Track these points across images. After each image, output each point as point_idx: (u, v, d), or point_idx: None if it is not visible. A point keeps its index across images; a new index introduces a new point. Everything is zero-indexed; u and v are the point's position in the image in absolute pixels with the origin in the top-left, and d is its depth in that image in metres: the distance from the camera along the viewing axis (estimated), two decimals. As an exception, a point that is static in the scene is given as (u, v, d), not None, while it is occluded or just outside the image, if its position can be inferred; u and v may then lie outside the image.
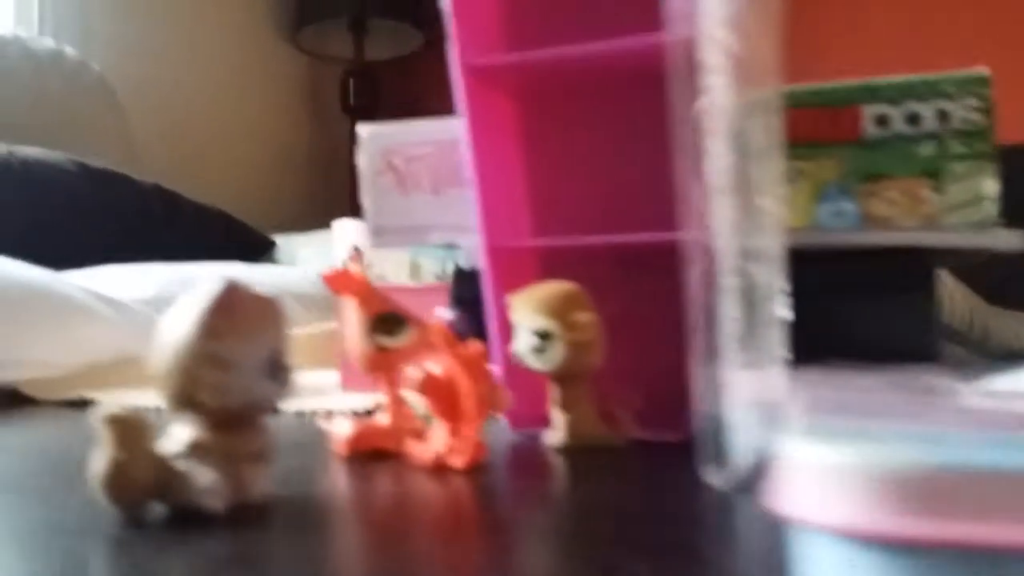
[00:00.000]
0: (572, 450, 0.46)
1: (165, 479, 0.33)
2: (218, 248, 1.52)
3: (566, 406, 0.47)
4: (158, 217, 1.58)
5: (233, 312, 0.32)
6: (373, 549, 0.30)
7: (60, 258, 1.03)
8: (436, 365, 0.42)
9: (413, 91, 2.48)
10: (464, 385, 0.40)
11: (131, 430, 0.32)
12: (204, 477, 0.32)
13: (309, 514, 0.35)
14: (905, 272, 0.53)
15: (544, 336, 0.45)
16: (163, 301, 1.00)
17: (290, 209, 2.21)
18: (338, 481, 0.41)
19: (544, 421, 0.48)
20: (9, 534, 0.32)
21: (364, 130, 0.66)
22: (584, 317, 0.45)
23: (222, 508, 0.32)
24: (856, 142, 0.56)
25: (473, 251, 0.62)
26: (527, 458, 0.45)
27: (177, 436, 0.34)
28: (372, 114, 2.43)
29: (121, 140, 1.79)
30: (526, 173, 0.58)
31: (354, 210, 2.42)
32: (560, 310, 0.45)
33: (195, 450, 0.33)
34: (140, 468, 0.32)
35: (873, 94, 0.56)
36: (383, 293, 0.48)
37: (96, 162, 1.51)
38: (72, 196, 1.41)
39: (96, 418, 0.32)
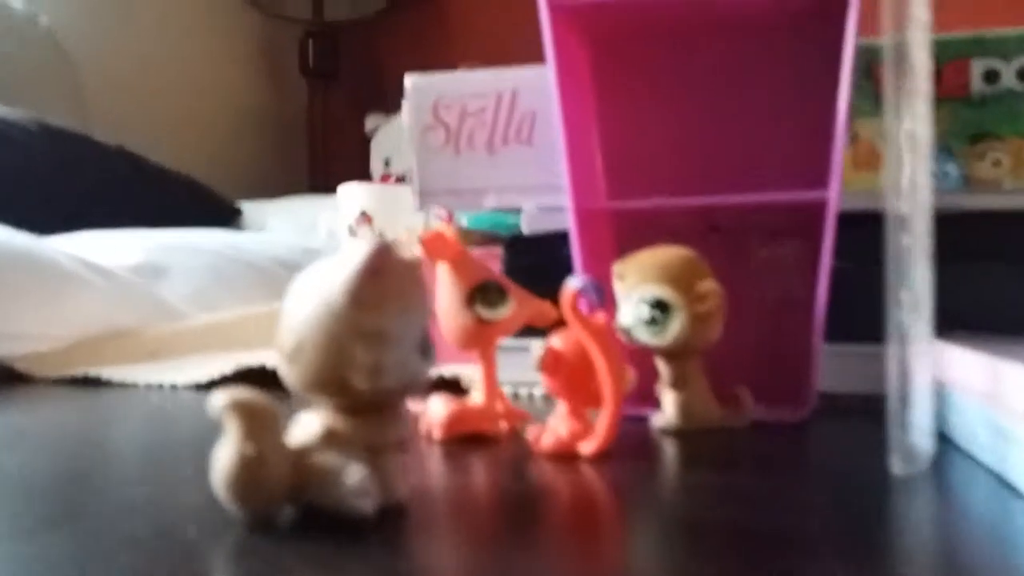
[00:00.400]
0: (685, 434, 0.42)
1: (302, 477, 0.28)
2: (184, 214, 1.44)
3: (678, 385, 0.43)
4: (122, 181, 1.48)
5: (388, 279, 0.27)
6: (546, 556, 0.26)
7: (19, 223, 0.95)
8: (560, 340, 0.38)
9: (375, 54, 2.39)
10: (601, 363, 0.35)
11: (261, 419, 0.27)
12: (352, 474, 0.27)
13: (449, 516, 0.30)
14: (1010, 238, 0.50)
15: (661, 307, 0.41)
16: (150, 268, 0.93)
17: (248, 175, 2.11)
18: (454, 473, 0.37)
19: (642, 402, 0.44)
20: (120, 541, 0.27)
21: (410, 80, 0.60)
22: (707, 286, 0.40)
23: (372, 511, 0.27)
24: (962, 99, 0.53)
25: (533, 215, 0.57)
26: (638, 443, 0.41)
27: (306, 425, 0.29)
28: (332, 77, 2.34)
29: (73, 101, 1.68)
30: (603, 129, 0.53)
31: (313, 177, 2.34)
32: (680, 278, 0.41)
33: (331, 441, 0.28)
34: (273, 465, 0.27)
35: (982, 47, 0.52)
36: (480, 260, 0.43)
37: (53, 120, 1.41)
38: (31, 157, 1.31)
39: (217, 405, 0.27)
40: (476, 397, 0.43)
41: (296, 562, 0.25)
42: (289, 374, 0.28)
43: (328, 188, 1.93)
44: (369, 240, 0.27)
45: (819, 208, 0.44)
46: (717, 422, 0.43)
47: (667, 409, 0.43)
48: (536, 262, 0.56)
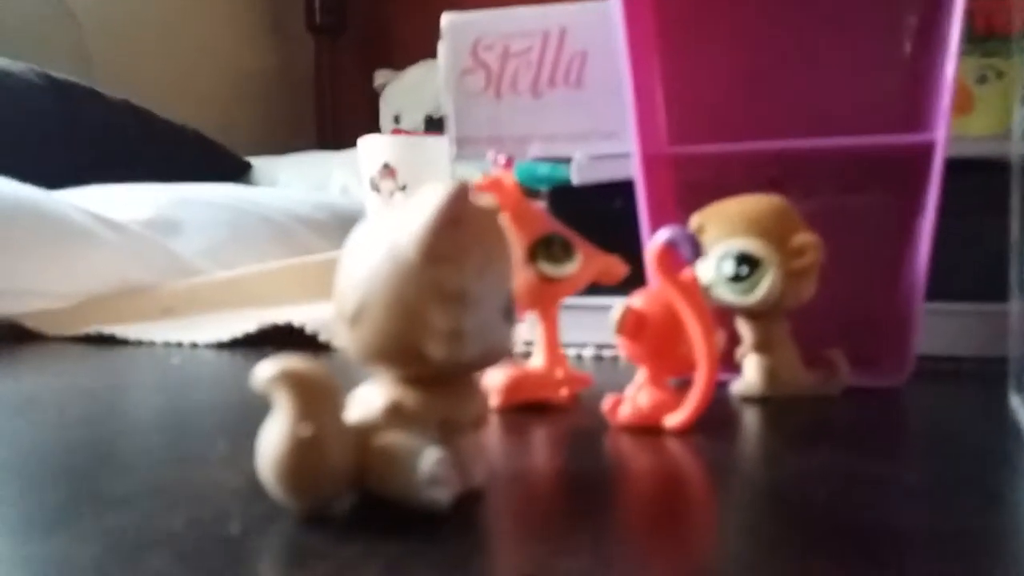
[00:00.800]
0: (770, 401, 0.38)
1: (363, 462, 0.23)
2: (194, 169, 1.39)
3: (765, 348, 0.38)
4: (130, 135, 1.43)
5: (468, 229, 0.22)
6: (640, 549, 0.21)
7: (25, 176, 0.90)
8: (641, 300, 0.33)
9: (383, 9, 2.31)
10: (695, 326, 0.31)
11: (319, 394, 0.22)
12: (426, 459, 0.22)
13: (529, 502, 0.26)
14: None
15: (749, 263, 0.36)
16: (163, 222, 0.89)
17: (255, 132, 2.05)
18: (524, 449, 0.32)
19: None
20: (150, 538, 0.22)
21: (447, 18, 0.55)
22: (804, 239, 0.36)
23: (448, 501, 0.23)
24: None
25: (584, 164, 0.52)
26: (718, 413, 0.36)
27: (366, 398, 0.24)
28: (339, 33, 2.27)
29: (77, 56, 1.62)
30: (665, 70, 0.48)
31: (322, 135, 2.28)
32: (772, 230, 0.36)
33: (397, 418, 0.24)
34: (334, 449, 0.23)
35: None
36: (544, 211, 0.38)
37: (57, 73, 1.36)
38: (38, 110, 1.26)
39: (265, 377, 0.22)
40: (536, 361, 0.39)
41: (362, 563, 0.20)
42: (349, 340, 0.23)
43: (337, 146, 1.88)
44: (446, 183, 0.22)
45: (922, 153, 0.39)
46: (806, 388, 0.38)
47: (750, 374, 0.38)
48: (585, 215, 0.51)
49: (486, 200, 0.24)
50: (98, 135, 1.35)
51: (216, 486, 0.26)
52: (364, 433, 0.23)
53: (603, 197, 0.50)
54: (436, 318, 0.22)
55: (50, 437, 0.34)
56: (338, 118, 2.22)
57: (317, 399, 0.22)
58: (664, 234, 0.31)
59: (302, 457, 0.22)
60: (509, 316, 0.24)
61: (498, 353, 0.24)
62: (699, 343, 0.31)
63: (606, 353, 0.51)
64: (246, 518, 0.23)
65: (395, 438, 0.23)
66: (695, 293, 0.31)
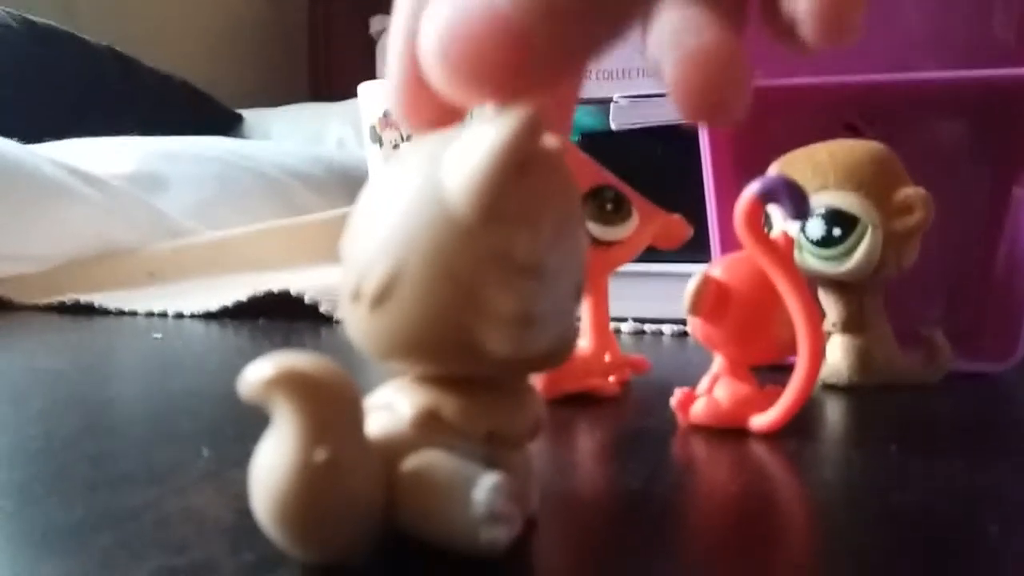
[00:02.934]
0: (861, 391, 0.32)
1: (395, 491, 0.17)
2: (181, 121, 1.31)
3: (856, 327, 0.32)
4: (113, 84, 1.35)
5: (539, 178, 0.16)
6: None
7: (1, 128, 0.82)
8: (724, 269, 0.27)
9: (381, -46, 2.22)
10: (795, 303, 0.25)
11: (336, 404, 0.16)
12: (483, 486, 0.16)
13: (592, 529, 0.20)
14: None
15: (845, 222, 0.30)
16: (147, 178, 0.82)
17: (245, 82, 1.96)
18: (570, 457, 0.26)
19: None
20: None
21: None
22: (911, 193, 0.29)
23: (507, 542, 0.17)
24: None
25: (623, 108, 0.46)
26: (804, 406, 0.30)
27: (389, 404, 0.18)
28: (333, -18, 2.17)
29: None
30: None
31: (315, 84, 2.20)
32: (872, 183, 0.30)
33: (433, 431, 0.17)
34: (358, 476, 0.17)
35: None
36: (590, 159, 0.32)
37: (36, 17, 1.28)
38: (14, 56, 1.18)
39: (258, 381, 0.16)
40: (581, 343, 0.32)
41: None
42: (368, 326, 0.17)
43: (331, 95, 1.80)
44: (504, 113, 0.16)
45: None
46: (902, 375, 0.32)
47: (835, 358, 0.32)
48: (624, 168, 0.45)
49: (551, 139, 0.17)
50: (79, 84, 1.27)
51: (196, 518, 0.20)
52: (390, 451, 0.17)
53: (646, 145, 0.44)
54: (500, 299, 0.16)
55: (15, 426, 0.28)
56: (333, 67, 2.13)
57: (333, 411, 0.16)
58: (757, 185, 0.24)
59: (316, 491, 0.16)
60: (579, 297, 0.18)
61: (569, 346, 0.18)
62: (801, 324, 0.25)
63: (649, 328, 0.45)
64: (236, 566, 0.17)
65: (433, 459, 0.17)
66: (792, 261, 0.25)
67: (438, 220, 0.15)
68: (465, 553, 0.16)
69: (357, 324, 0.17)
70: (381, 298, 0.16)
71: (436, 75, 0.16)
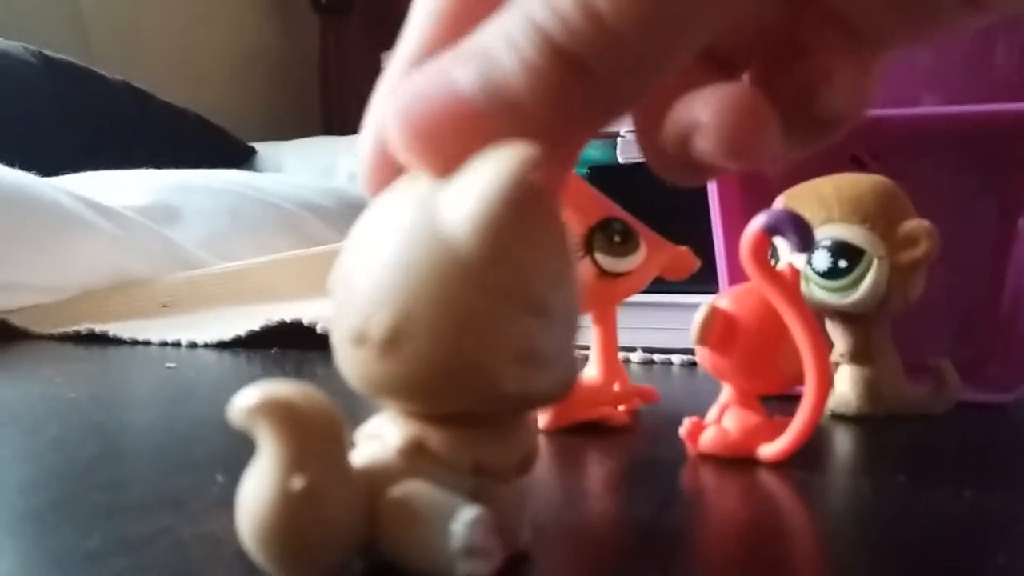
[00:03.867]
0: (869, 421, 0.32)
1: (379, 519, 0.17)
2: (195, 154, 1.33)
3: (863, 358, 0.32)
4: (129, 119, 1.37)
5: (536, 214, 0.16)
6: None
7: (16, 162, 0.84)
8: (731, 301, 0.27)
9: (394, -12, 2.25)
10: (802, 334, 0.25)
11: (317, 432, 0.17)
12: (461, 520, 0.16)
13: (590, 566, 0.20)
14: None
15: (850, 254, 0.30)
16: (162, 210, 0.83)
17: (257, 116, 1.98)
18: (574, 486, 0.27)
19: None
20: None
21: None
22: (916, 225, 0.30)
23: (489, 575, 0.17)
24: None
25: (631, 141, 0.47)
26: (812, 436, 0.30)
27: (379, 434, 0.18)
28: (345, 12, 2.20)
29: (74, 34, 1.56)
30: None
31: (327, 118, 2.22)
32: (877, 215, 0.30)
33: (419, 461, 0.17)
34: (337, 504, 0.17)
35: None
36: (597, 192, 0.32)
37: (52, 52, 1.30)
38: (32, 92, 1.20)
39: (244, 408, 0.16)
40: (589, 372, 0.33)
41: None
42: (377, 372, 0.16)
43: (343, 130, 1.82)
44: (498, 151, 0.16)
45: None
46: (911, 406, 0.32)
47: (843, 388, 0.33)
48: (631, 201, 0.45)
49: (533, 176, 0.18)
50: (95, 118, 1.29)
51: (211, 544, 0.21)
52: (376, 480, 0.17)
53: (653, 178, 0.44)
54: (511, 338, 0.16)
55: (12, 467, 0.28)
56: (345, 102, 2.16)
57: (313, 439, 0.17)
58: (763, 219, 0.25)
59: (292, 518, 0.16)
60: (577, 333, 0.18)
61: (572, 380, 0.18)
62: (807, 354, 0.25)
63: (658, 358, 0.45)
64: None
65: (417, 489, 0.17)
66: (798, 293, 0.26)
67: (444, 261, 0.15)
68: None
69: (361, 367, 0.17)
70: (392, 342, 0.16)
71: (395, 144, 0.16)
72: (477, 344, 0.16)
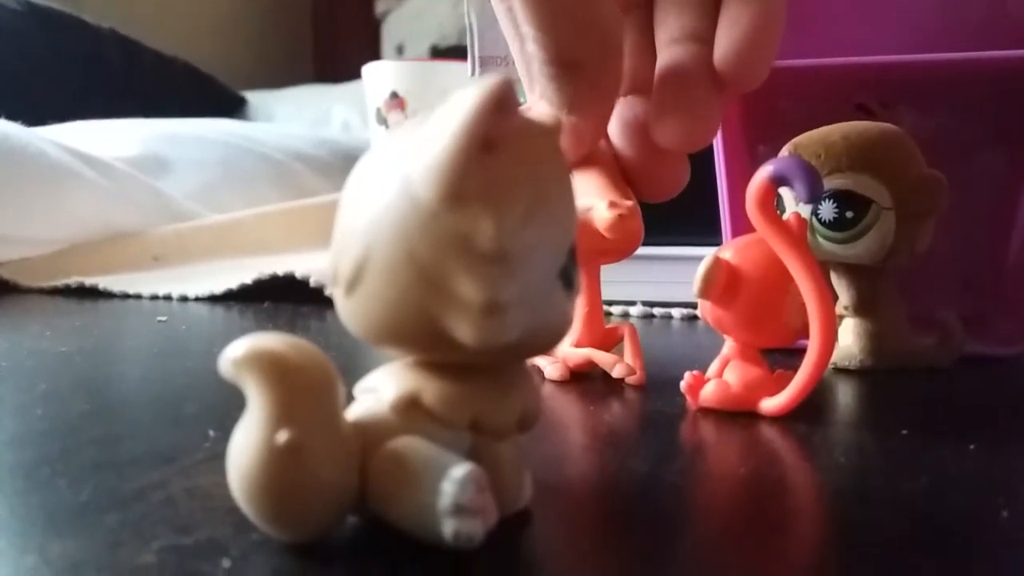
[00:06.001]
0: (873, 374, 0.32)
1: (370, 479, 0.17)
2: (184, 104, 1.30)
3: (868, 310, 0.32)
4: (116, 67, 1.35)
5: (510, 154, 0.15)
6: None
7: (4, 112, 0.82)
8: (734, 252, 0.27)
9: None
10: (808, 286, 0.24)
11: (304, 385, 0.16)
12: (452, 478, 0.16)
13: (594, 527, 0.20)
14: None
15: (857, 204, 0.29)
16: (151, 161, 0.81)
17: (247, 64, 1.95)
18: (570, 442, 0.26)
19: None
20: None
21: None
22: (925, 174, 0.29)
23: (481, 537, 0.16)
24: None
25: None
26: (815, 389, 0.30)
27: (376, 387, 0.18)
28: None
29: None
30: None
31: (319, 66, 2.18)
32: (887, 163, 0.29)
33: (412, 416, 0.17)
34: (325, 459, 0.16)
35: None
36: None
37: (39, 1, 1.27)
38: (17, 39, 1.18)
39: (233, 359, 0.16)
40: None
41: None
42: (347, 314, 0.16)
43: (337, 78, 1.79)
44: (478, 86, 0.15)
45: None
46: (916, 358, 0.32)
47: (847, 341, 0.32)
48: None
49: (538, 111, 0.17)
50: (82, 66, 1.27)
51: (203, 498, 0.20)
52: (371, 436, 0.17)
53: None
54: (463, 285, 0.15)
55: (1, 422, 0.27)
56: (337, 49, 2.12)
57: (302, 392, 0.16)
58: (771, 167, 0.24)
59: (278, 472, 0.16)
60: (569, 282, 0.17)
61: (554, 332, 0.17)
62: (813, 307, 0.24)
63: (658, 312, 0.45)
64: (242, 545, 0.17)
65: (409, 445, 0.17)
66: (804, 244, 0.25)
67: (401, 204, 0.15)
68: (431, 543, 0.16)
69: (339, 308, 0.17)
70: (353, 283, 0.16)
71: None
72: (428, 289, 0.15)
